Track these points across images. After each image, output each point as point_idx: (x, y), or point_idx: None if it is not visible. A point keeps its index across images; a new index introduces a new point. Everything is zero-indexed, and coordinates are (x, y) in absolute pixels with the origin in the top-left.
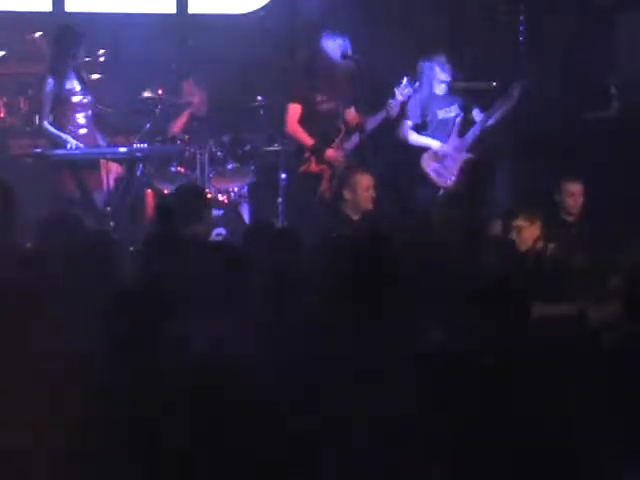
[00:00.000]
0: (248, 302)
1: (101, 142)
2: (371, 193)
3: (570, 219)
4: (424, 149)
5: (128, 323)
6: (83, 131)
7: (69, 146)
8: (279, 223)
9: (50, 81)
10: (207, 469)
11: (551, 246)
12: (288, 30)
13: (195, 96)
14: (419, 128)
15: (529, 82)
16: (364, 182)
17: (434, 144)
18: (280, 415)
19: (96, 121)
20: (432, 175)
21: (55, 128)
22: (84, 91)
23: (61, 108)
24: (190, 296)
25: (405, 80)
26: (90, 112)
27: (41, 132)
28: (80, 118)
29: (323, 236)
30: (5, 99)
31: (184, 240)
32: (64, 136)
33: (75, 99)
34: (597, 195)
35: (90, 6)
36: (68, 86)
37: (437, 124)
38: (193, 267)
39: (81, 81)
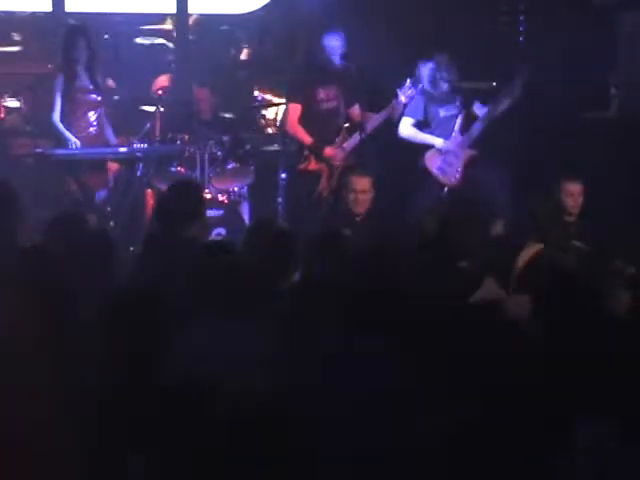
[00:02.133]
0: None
1: (112, 141)
2: (366, 196)
3: (570, 219)
4: (426, 147)
5: (127, 323)
6: (92, 130)
7: (71, 145)
8: (279, 223)
9: (60, 78)
10: None
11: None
12: (288, 30)
13: (206, 102)
14: (422, 125)
15: (530, 78)
16: (358, 184)
17: (437, 142)
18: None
19: (109, 120)
20: (437, 174)
21: (63, 126)
22: (95, 91)
23: (71, 106)
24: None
25: (408, 81)
26: (100, 112)
27: (48, 126)
28: (89, 117)
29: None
30: (5, 99)
31: (183, 240)
32: (67, 134)
33: (84, 98)
34: (597, 195)
35: (90, 6)
36: (78, 84)
37: (439, 122)
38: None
39: (92, 81)
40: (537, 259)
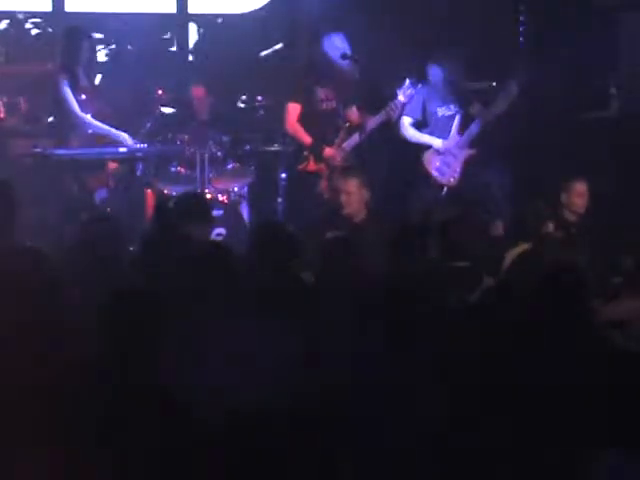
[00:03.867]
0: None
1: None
2: (351, 198)
3: (572, 218)
4: (425, 147)
5: (127, 323)
6: (90, 130)
7: (120, 138)
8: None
9: (64, 79)
10: None
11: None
12: (288, 30)
13: (202, 102)
14: (420, 125)
15: (526, 79)
16: (344, 186)
17: (435, 142)
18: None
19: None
20: (435, 174)
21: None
22: (91, 91)
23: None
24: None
25: (407, 82)
26: (94, 112)
27: (80, 126)
28: (86, 117)
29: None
30: (5, 99)
31: (183, 240)
32: (113, 130)
33: (83, 98)
34: (597, 195)
35: (90, 6)
36: (79, 85)
37: (436, 122)
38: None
39: (89, 81)
40: (522, 258)
